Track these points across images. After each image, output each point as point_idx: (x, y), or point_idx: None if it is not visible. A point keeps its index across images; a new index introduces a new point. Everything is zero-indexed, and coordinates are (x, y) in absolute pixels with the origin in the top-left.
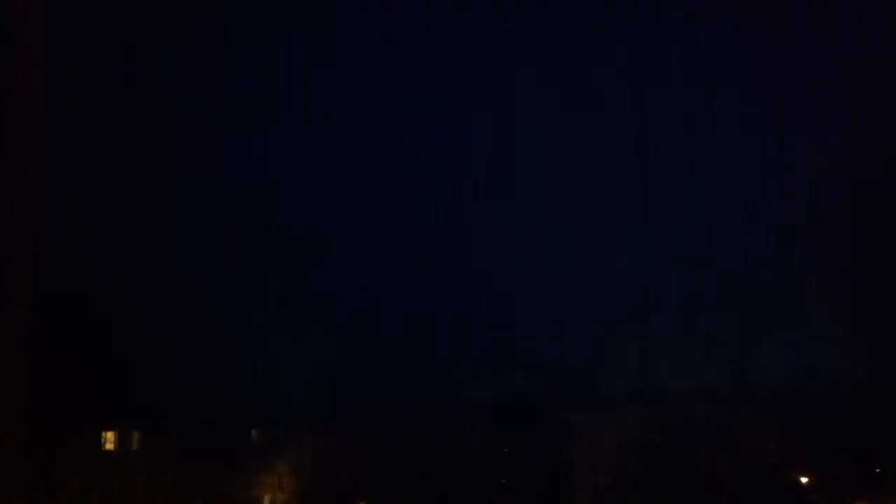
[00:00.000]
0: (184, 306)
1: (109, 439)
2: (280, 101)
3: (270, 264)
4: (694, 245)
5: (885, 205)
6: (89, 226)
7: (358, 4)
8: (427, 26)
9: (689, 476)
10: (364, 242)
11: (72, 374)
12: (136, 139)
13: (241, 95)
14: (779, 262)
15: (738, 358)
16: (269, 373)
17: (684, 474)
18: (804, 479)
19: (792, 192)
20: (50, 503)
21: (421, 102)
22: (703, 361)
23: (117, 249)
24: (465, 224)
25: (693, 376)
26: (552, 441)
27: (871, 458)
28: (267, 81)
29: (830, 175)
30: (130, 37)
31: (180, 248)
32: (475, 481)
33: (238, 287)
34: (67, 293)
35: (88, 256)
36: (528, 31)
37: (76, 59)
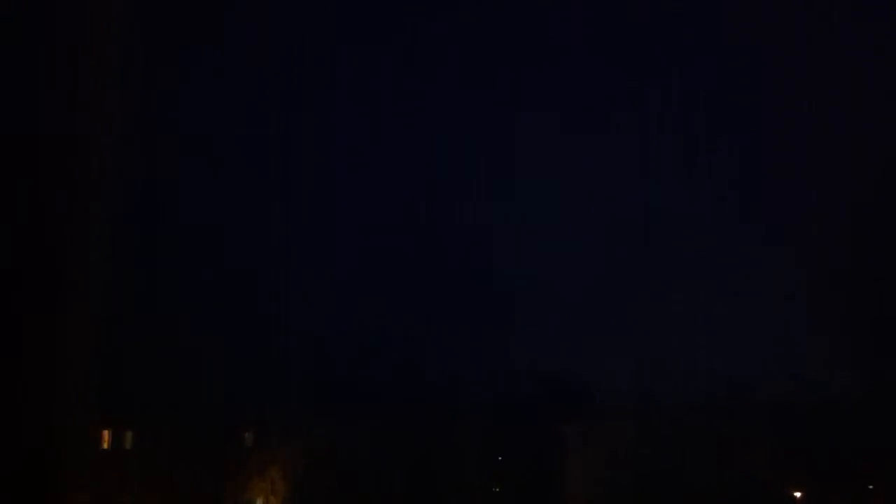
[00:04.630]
0: (177, 306)
1: (103, 438)
2: (279, 103)
3: (265, 265)
4: (691, 255)
5: (887, 215)
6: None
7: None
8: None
9: (680, 489)
10: (360, 243)
11: (62, 373)
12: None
13: (241, 96)
14: (775, 272)
15: (732, 370)
16: (265, 375)
17: (675, 487)
18: (797, 494)
19: (791, 199)
20: (41, 501)
21: (421, 103)
22: (697, 373)
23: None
24: (463, 227)
25: (687, 388)
26: (543, 450)
27: (864, 474)
28: (270, 83)
29: (831, 183)
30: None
31: (174, 247)
32: (466, 489)
33: (231, 288)
34: (58, 290)
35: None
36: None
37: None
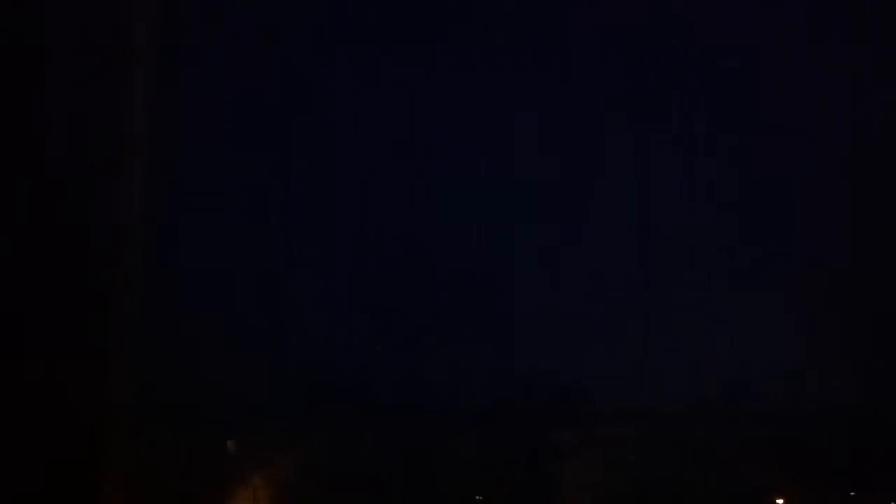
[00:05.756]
0: (175, 306)
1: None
2: (280, 98)
3: (263, 266)
4: (690, 256)
5: (887, 216)
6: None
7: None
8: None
9: (678, 495)
10: (357, 247)
11: (40, 381)
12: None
13: (241, 96)
14: (775, 275)
15: (731, 374)
16: (251, 380)
17: (673, 493)
18: (779, 501)
19: (793, 203)
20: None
21: (421, 102)
22: (695, 380)
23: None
24: (464, 228)
25: (684, 395)
26: (538, 456)
27: (858, 483)
28: (269, 80)
29: (832, 187)
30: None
31: (173, 248)
32: (459, 495)
33: (218, 290)
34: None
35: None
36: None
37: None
